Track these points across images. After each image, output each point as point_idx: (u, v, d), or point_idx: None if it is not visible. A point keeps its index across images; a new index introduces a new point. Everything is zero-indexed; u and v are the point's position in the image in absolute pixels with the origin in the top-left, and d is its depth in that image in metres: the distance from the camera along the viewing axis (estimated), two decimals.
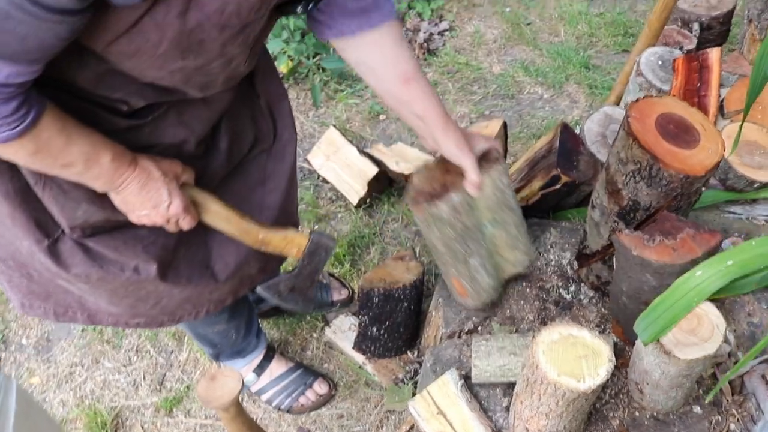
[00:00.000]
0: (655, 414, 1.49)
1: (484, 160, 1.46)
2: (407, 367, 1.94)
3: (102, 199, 1.17)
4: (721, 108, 1.89)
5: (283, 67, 2.87)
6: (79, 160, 1.05)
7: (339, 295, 2.15)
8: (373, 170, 2.36)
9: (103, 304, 1.38)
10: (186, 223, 1.24)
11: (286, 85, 2.96)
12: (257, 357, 1.95)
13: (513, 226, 1.57)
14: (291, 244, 1.31)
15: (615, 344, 1.60)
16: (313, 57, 2.95)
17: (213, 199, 1.25)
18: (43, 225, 1.20)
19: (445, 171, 1.47)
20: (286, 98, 1.44)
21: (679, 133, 1.34)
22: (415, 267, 1.83)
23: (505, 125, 2.23)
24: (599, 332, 1.64)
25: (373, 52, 1.28)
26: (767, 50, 1.36)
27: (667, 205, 1.37)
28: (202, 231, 1.30)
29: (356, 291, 2.19)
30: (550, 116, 2.69)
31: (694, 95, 1.89)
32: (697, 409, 1.50)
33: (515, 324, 1.68)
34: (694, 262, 1.31)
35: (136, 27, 0.90)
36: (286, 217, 1.49)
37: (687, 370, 1.30)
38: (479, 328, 1.69)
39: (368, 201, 2.42)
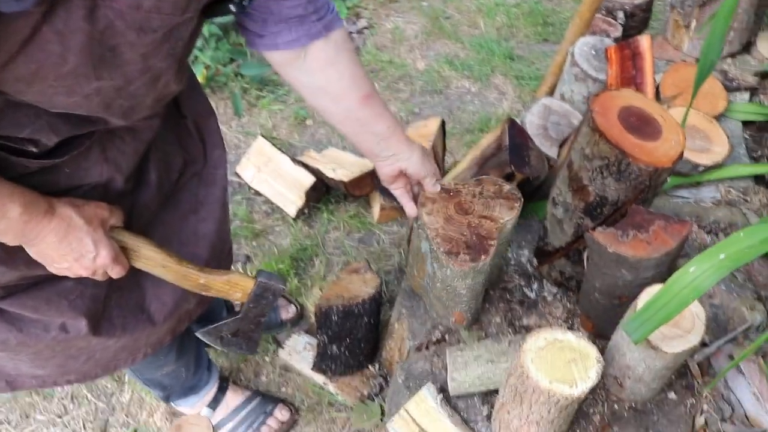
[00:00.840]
0: (634, 405, 1.49)
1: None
2: (371, 382, 1.87)
3: (13, 256, 1.00)
4: (657, 94, 1.92)
5: (199, 76, 2.71)
6: None
7: (287, 313, 2.05)
8: (310, 179, 2.26)
9: (25, 368, 1.23)
10: (116, 273, 1.09)
11: None
12: (210, 390, 1.82)
13: (506, 251, 1.57)
14: (235, 287, 1.21)
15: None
16: (230, 63, 2.80)
17: (146, 243, 1.11)
18: None
19: (447, 197, 1.44)
20: (214, 114, 1.31)
21: (641, 125, 1.33)
22: (372, 279, 1.76)
23: (443, 123, 2.19)
24: (568, 326, 1.63)
25: (327, 73, 1.14)
26: (715, 38, 1.37)
27: (635, 198, 1.36)
28: (135, 271, 1.17)
29: (304, 307, 2.10)
30: (481, 110, 2.68)
31: (631, 83, 1.92)
32: (671, 395, 1.51)
33: (483, 328, 1.64)
34: (669, 254, 1.31)
35: (32, 40, 0.73)
36: (221, 245, 1.38)
37: (672, 363, 1.30)
38: (447, 337, 1.64)
39: (306, 211, 2.32)
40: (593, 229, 1.41)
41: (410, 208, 1.43)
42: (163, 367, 1.60)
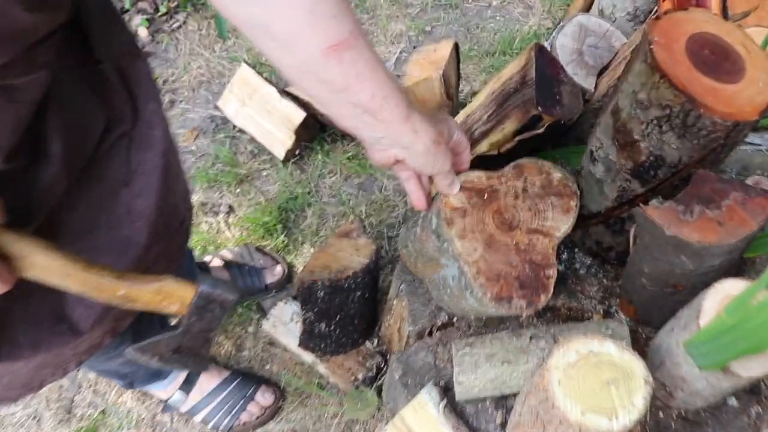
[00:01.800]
0: (683, 413, 1.20)
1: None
2: (368, 363, 1.60)
3: None
4: (724, 10, 1.52)
5: None
6: None
7: (272, 275, 1.76)
8: (300, 115, 1.92)
9: None
10: None
11: (183, 15, 2.43)
12: (182, 372, 1.57)
13: None
14: (170, 298, 0.91)
15: (626, 324, 1.29)
16: None
17: (37, 247, 0.81)
18: None
19: (481, 203, 1.06)
20: (142, 56, 0.98)
21: (717, 61, 0.97)
22: (366, 245, 1.46)
23: (456, 47, 1.81)
24: (603, 310, 1.32)
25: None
26: None
27: (701, 159, 1.01)
28: None
29: (293, 268, 1.81)
30: (503, 27, 2.28)
31: None
32: (732, 401, 1.21)
33: None
34: (746, 239, 0.98)
35: None
36: (167, 221, 1.08)
37: (745, 383, 0.99)
38: (455, 320, 1.34)
39: (298, 152, 1.99)
40: (645, 200, 1.07)
41: (417, 199, 1.06)
42: (116, 358, 1.34)
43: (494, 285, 1.00)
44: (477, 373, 1.17)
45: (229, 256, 1.78)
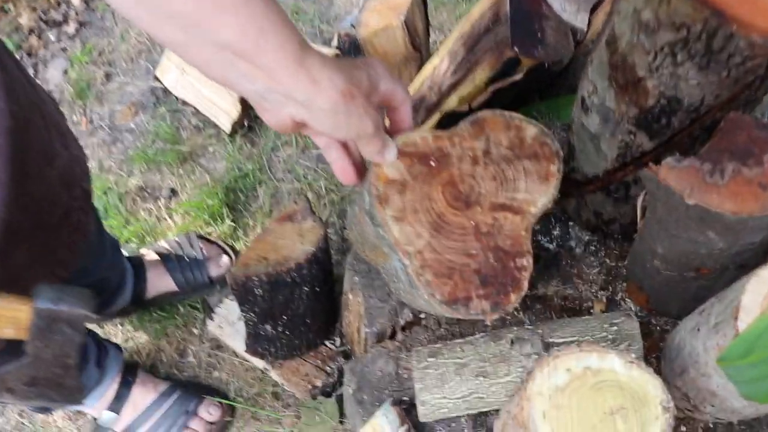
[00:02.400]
0: (711, 426, 0.95)
1: None
2: (328, 367, 1.35)
3: None
4: None
5: None
6: None
7: (218, 267, 1.50)
8: None
9: None
10: None
11: None
12: (109, 389, 1.33)
13: None
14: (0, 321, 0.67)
15: (636, 315, 1.03)
16: None
17: None
18: None
19: (427, 172, 0.78)
20: None
21: None
22: (312, 230, 1.19)
23: None
24: (606, 297, 1.06)
25: None
26: None
27: (732, 99, 0.74)
28: None
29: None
30: None
31: None
32: None
33: None
34: None
35: None
36: (38, 219, 0.83)
37: None
38: (422, 317, 1.09)
39: (246, 123, 1.72)
40: (656, 158, 0.80)
41: (340, 170, 0.79)
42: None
43: (446, 283, 0.74)
44: (444, 389, 0.91)
45: (166, 247, 1.52)
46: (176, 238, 1.54)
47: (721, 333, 0.71)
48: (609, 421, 0.67)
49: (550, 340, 0.92)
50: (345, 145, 0.76)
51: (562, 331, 0.93)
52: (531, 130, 0.82)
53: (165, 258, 1.48)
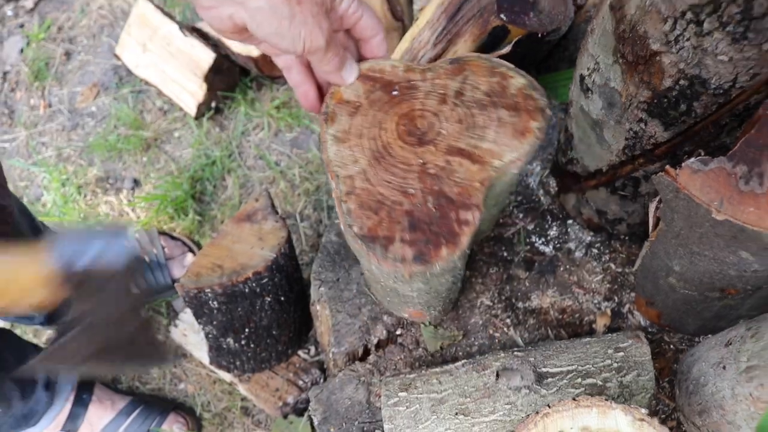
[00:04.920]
0: None
1: None
2: (300, 381, 1.20)
3: None
4: None
5: None
6: None
7: (182, 266, 1.36)
8: (209, 56, 1.48)
9: None
10: None
11: None
12: (62, 410, 1.19)
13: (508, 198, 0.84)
14: (16, 284, 0.58)
15: (645, 331, 0.87)
16: None
17: None
18: None
19: (387, 100, 0.70)
20: None
21: None
22: (273, 232, 1.03)
23: None
24: (612, 310, 0.90)
25: None
26: None
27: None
28: None
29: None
30: None
31: None
32: None
33: (461, 317, 0.92)
34: None
35: None
36: None
37: None
38: (399, 335, 0.94)
39: (214, 105, 1.56)
40: (672, 153, 0.65)
41: (302, 95, 0.71)
42: None
43: (369, 217, 0.63)
44: (418, 429, 0.77)
45: None
46: (136, 235, 1.39)
47: (757, 382, 0.56)
48: None
49: (544, 369, 0.76)
50: (309, 68, 0.69)
51: (558, 358, 0.78)
52: (518, 80, 0.70)
53: None
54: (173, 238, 1.40)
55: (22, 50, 1.82)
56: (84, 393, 1.22)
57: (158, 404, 1.26)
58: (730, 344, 0.64)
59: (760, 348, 0.57)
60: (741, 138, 0.56)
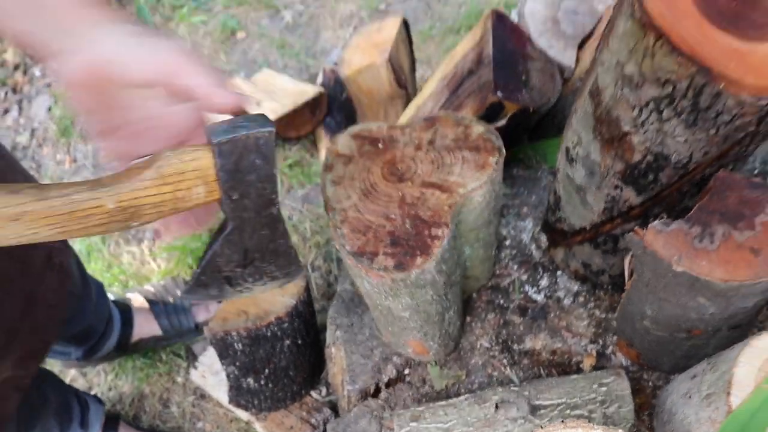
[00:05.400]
0: None
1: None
2: (313, 419, 1.30)
3: None
4: None
5: None
6: None
7: (206, 312, 1.46)
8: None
9: None
10: None
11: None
12: None
13: (493, 235, 0.97)
14: (184, 181, 0.59)
15: (626, 369, 0.98)
16: None
17: None
18: None
19: (373, 152, 0.87)
20: None
21: (741, 10, 0.65)
22: (293, 283, 1.15)
23: (405, 24, 1.50)
24: (597, 351, 1.01)
25: None
26: None
27: (720, 156, 0.70)
28: None
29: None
30: (469, 0, 1.96)
31: None
32: None
33: (462, 358, 1.03)
34: None
35: None
36: (22, 268, 0.81)
37: None
38: (407, 373, 1.04)
39: None
40: (643, 214, 0.77)
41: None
42: None
43: (358, 238, 0.78)
44: None
45: (151, 291, 1.48)
46: (162, 282, 1.50)
47: (714, 406, 0.67)
48: None
49: (537, 402, 0.87)
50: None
51: (550, 392, 0.88)
52: (478, 128, 0.86)
53: (151, 303, 1.44)
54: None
55: (49, 108, 1.96)
56: (110, 429, 1.31)
57: None
58: (695, 377, 0.75)
59: (716, 378, 0.68)
60: (696, 204, 0.69)
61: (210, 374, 1.39)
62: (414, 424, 0.88)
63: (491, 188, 0.82)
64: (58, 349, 1.30)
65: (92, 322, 1.30)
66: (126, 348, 1.44)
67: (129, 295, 1.48)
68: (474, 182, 0.80)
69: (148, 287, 1.50)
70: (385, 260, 0.75)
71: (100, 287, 1.33)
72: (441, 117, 0.86)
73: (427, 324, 0.88)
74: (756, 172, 0.92)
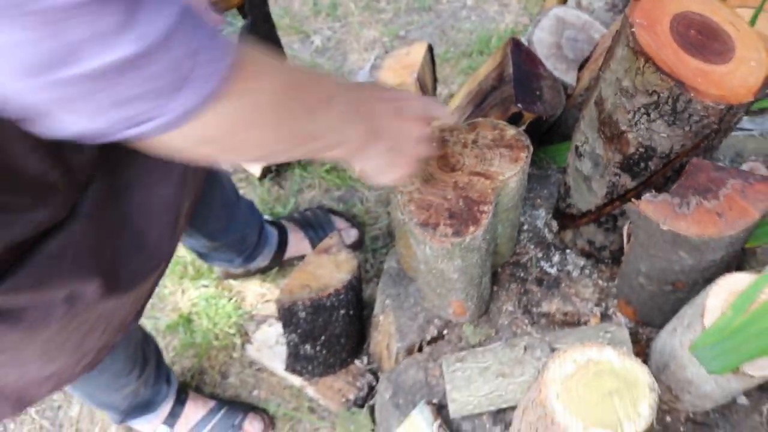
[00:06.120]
0: (692, 416, 1.13)
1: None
2: (358, 383, 1.52)
3: None
4: None
5: None
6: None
7: (348, 237, 1.73)
8: None
9: (34, 371, 0.89)
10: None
11: None
12: (168, 404, 1.49)
13: (517, 218, 1.21)
14: None
15: (625, 326, 1.22)
16: None
17: None
18: None
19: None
20: None
21: (705, 41, 0.91)
22: (347, 261, 1.38)
23: (430, 49, 1.75)
24: (600, 313, 1.25)
25: None
26: None
27: (695, 147, 0.95)
28: (110, 204, 0.81)
29: (364, 233, 1.81)
30: (479, 27, 2.22)
31: None
32: (742, 399, 1.14)
33: (491, 320, 1.26)
34: (748, 230, 0.91)
35: None
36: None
37: (756, 383, 0.92)
38: (445, 333, 1.27)
39: (274, 168, 1.92)
40: (637, 195, 1.01)
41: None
42: (124, 387, 1.30)
43: (422, 213, 1.00)
44: (470, 388, 1.10)
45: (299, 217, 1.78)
46: (308, 212, 1.77)
47: (692, 330, 0.90)
48: (608, 400, 0.86)
49: (556, 346, 1.11)
50: None
51: (566, 339, 1.12)
52: (510, 131, 1.09)
53: (305, 225, 1.72)
54: (339, 214, 1.79)
55: None
56: (182, 393, 1.53)
57: (239, 406, 1.57)
58: (679, 316, 0.99)
59: (693, 310, 0.92)
60: (676, 183, 0.93)
61: (264, 348, 1.62)
62: (459, 364, 1.12)
63: (522, 176, 1.05)
64: (223, 256, 1.57)
65: (246, 231, 1.57)
66: (280, 262, 1.73)
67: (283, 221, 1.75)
68: (510, 171, 1.03)
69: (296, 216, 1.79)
70: (445, 229, 0.98)
71: (250, 204, 1.59)
72: (481, 122, 1.09)
73: (470, 285, 1.12)
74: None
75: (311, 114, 0.64)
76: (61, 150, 0.69)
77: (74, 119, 0.50)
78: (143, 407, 1.44)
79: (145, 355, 1.32)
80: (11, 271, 0.72)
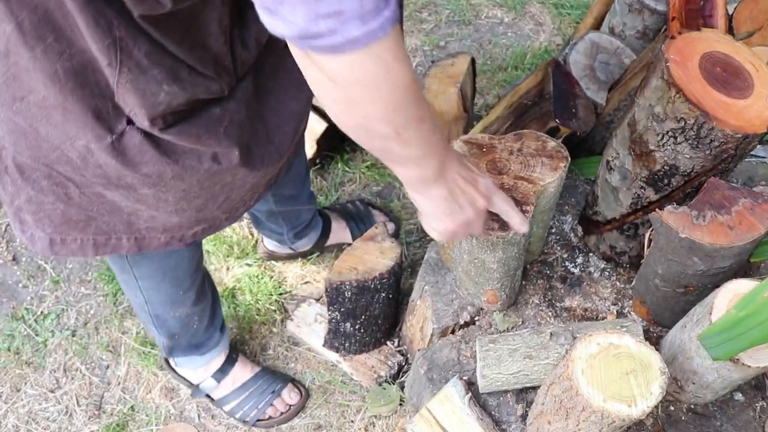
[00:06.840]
0: (693, 407, 1.28)
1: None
2: (389, 361, 1.67)
3: (181, 75, 0.88)
4: (729, 29, 1.61)
5: None
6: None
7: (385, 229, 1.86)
8: (322, 126, 2.00)
9: (162, 216, 1.09)
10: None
11: None
12: (218, 358, 1.64)
13: (549, 221, 1.37)
14: None
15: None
16: None
17: None
18: (104, 116, 0.89)
19: (479, 153, 1.21)
20: None
21: (728, 78, 1.06)
22: (391, 249, 1.53)
23: (473, 62, 1.90)
24: (617, 311, 1.40)
25: None
26: None
27: (713, 168, 1.09)
28: (253, 99, 1.03)
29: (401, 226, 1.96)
30: (515, 43, 2.37)
31: (697, 16, 1.60)
32: (738, 396, 1.29)
33: (519, 310, 1.41)
34: (755, 242, 1.06)
35: None
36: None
37: (753, 374, 1.07)
38: (477, 319, 1.42)
39: (318, 161, 2.07)
40: (659, 207, 1.16)
41: (515, 220, 1.08)
42: (179, 307, 1.43)
43: None
44: (500, 367, 1.25)
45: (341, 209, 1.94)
46: (349, 204, 1.94)
47: (700, 325, 1.05)
48: (625, 379, 1.00)
49: (578, 334, 1.25)
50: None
51: (586, 329, 1.27)
52: (551, 143, 1.23)
53: (347, 216, 1.89)
54: (377, 208, 1.95)
55: None
56: (234, 353, 1.67)
57: (281, 375, 1.72)
58: (688, 316, 1.14)
59: (702, 309, 1.06)
60: (695, 198, 1.08)
61: (304, 325, 1.77)
62: (491, 345, 1.27)
63: (559, 183, 1.20)
64: (275, 227, 1.73)
65: (304, 208, 1.72)
66: (321, 248, 1.89)
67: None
68: (550, 178, 1.18)
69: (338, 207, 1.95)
70: (493, 224, 1.12)
71: (312, 192, 1.77)
72: (526, 133, 1.24)
73: (505, 276, 1.26)
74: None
75: (419, 123, 0.79)
76: (234, 45, 0.93)
77: (291, 15, 0.63)
78: (193, 347, 1.57)
79: (204, 283, 1.46)
80: (186, 119, 0.94)
